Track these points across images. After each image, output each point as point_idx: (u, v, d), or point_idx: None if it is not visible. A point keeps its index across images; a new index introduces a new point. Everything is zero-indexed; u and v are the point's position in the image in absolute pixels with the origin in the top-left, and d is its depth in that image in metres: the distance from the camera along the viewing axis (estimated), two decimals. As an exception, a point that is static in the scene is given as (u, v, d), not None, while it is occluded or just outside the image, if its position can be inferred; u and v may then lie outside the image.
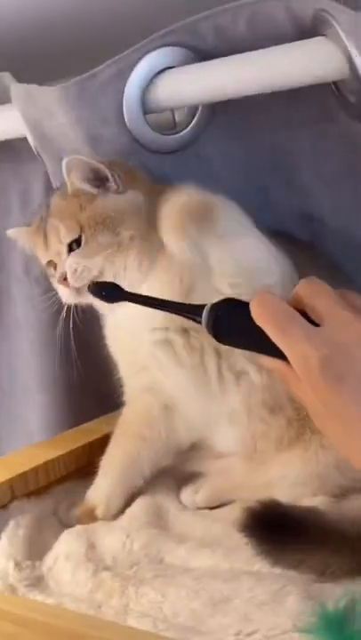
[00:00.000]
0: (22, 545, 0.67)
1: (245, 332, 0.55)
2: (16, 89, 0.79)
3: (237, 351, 0.68)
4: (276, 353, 0.53)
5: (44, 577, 0.64)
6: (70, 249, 0.72)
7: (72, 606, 0.57)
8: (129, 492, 0.76)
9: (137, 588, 0.61)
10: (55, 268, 0.75)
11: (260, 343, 0.54)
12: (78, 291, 0.72)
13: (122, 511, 0.75)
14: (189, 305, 0.59)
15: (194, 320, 0.58)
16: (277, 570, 0.63)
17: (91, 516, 0.75)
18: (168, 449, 0.77)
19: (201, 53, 0.73)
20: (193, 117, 0.81)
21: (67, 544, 0.69)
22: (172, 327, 0.70)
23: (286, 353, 0.52)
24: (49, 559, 0.67)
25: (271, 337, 0.53)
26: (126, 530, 0.71)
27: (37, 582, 0.63)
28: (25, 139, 0.84)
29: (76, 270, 0.71)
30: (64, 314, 0.76)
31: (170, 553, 0.68)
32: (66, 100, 0.74)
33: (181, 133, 0.79)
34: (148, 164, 0.79)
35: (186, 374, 0.71)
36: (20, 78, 0.83)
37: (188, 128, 0.80)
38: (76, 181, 0.72)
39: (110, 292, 0.65)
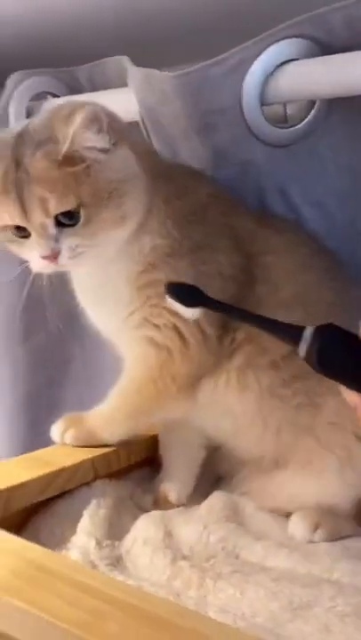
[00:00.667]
0: (103, 524, 0.68)
1: (347, 365, 0.51)
2: (133, 72, 0.79)
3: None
4: None
5: (122, 558, 0.65)
6: (58, 222, 0.63)
7: (152, 591, 0.58)
8: (195, 469, 0.79)
9: (215, 582, 0.60)
10: (26, 235, 0.65)
11: (355, 375, 0.51)
12: (63, 267, 0.66)
13: (195, 498, 0.77)
14: (285, 324, 0.53)
15: (289, 343, 0.52)
16: (358, 582, 0.62)
17: (165, 502, 0.77)
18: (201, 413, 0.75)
19: (326, 46, 0.71)
20: (308, 112, 0.79)
21: (144, 529, 0.69)
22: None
23: None
24: (127, 541, 0.68)
25: None
26: (203, 521, 0.71)
27: (117, 562, 0.63)
28: (135, 123, 0.84)
29: (74, 251, 0.64)
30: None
31: (246, 549, 0.67)
32: (185, 85, 0.73)
33: (296, 127, 0.78)
34: (258, 156, 0.77)
35: None
36: (136, 63, 0.83)
37: (304, 123, 0.78)
38: (89, 137, 0.62)
39: (191, 297, 0.59)
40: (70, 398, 1.03)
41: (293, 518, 0.72)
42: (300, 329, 0.51)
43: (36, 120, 0.67)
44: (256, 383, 0.71)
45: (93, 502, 0.70)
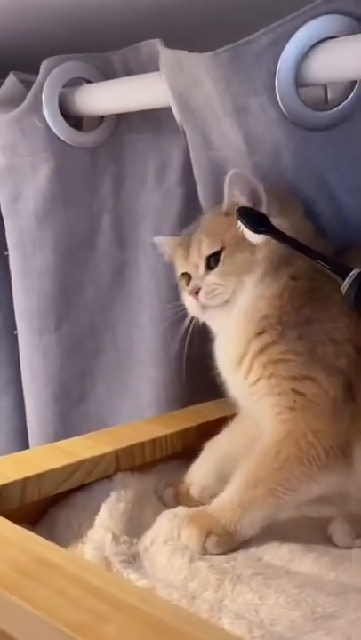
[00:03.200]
0: (122, 519, 0.66)
1: None
2: (165, 54, 0.77)
3: None
4: None
5: (139, 555, 0.63)
6: (208, 265, 0.73)
7: (164, 592, 0.55)
8: (226, 482, 0.71)
9: (234, 585, 0.58)
10: (188, 281, 0.76)
11: None
12: (204, 307, 0.73)
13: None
14: (335, 262, 0.62)
15: (335, 278, 0.60)
16: (390, 592, 0.58)
17: (186, 495, 0.74)
18: None
19: (368, 23, 0.67)
20: (348, 95, 0.75)
21: (166, 526, 0.67)
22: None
23: None
24: (147, 539, 0.66)
25: None
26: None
27: (133, 560, 0.61)
28: (168, 109, 0.81)
29: (211, 289, 0.72)
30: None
31: (270, 551, 0.64)
32: (216, 66, 0.70)
33: (334, 110, 0.73)
34: (293, 141, 0.74)
35: None
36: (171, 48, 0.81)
37: (342, 105, 0.74)
38: (237, 195, 0.72)
39: (258, 222, 0.66)
40: (100, 389, 1.02)
41: (336, 521, 0.67)
42: (349, 268, 0.59)
43: None
44: None
45: (113, 495, 0.68)
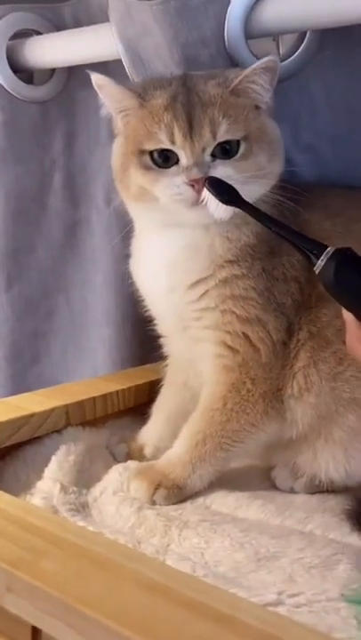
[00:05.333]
0: (71, 471, 0.66)
1: (355, 287, 0.53)
2: (114, 3, 0.75)
3: None
4: None
5: (88, 505, 0.63)
6: (218, 153, 0.62)
7: (111, 538, 0.56)
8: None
9: (180, 531, 0.59)
10: (170, 164, 0.62)
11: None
12: (197, 204, 0.61)
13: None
14: (308, 239, 0.54)
15: (308, 257, 0.54)
16: (331, 534, 0.60)
17: (140, 455, 0.74)
18: None
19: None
20: (298, 48, 0.74)
21: (116, 479, 0.68)
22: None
23: None
24: (96, 490, 0.66)
25: None
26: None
27: (81, 509, 0.62)
28: (119, 61, 0.80)
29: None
30: None
31: (218, 500, 0.65)
32: (164, 15, 0.69)
33: (285, 62, 0.73)
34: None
35: None
36: None
37: (292, 58, 0.74)
38: (261, 80, 0.63)
39: (228, 194, 0.59)
40: (54, 351, 1.01)
41: (278, 465, 0.69)
42: (324, 246, 0.54)
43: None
44: (317, 375, 0.65)
45: (63, 448, 0.68)
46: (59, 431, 0.70)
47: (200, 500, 0.65)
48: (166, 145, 0.62)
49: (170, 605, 0.36)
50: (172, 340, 0.75)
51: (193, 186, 0.60)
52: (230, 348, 0.65)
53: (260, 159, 0.63)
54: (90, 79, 0.67)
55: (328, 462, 0.66)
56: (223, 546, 0.57)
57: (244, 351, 0.65)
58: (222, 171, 0.61)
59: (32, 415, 0.68)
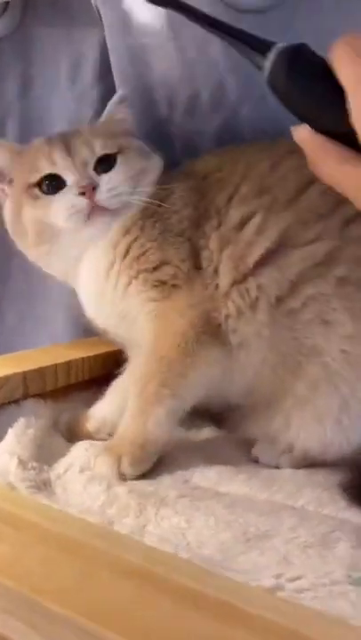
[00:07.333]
0: (30, 445, 0.58)
1: (312, 91, 0.43)
2: None
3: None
4: (336, 116, 0.42)
5: (50, 483, 0.55)
6: (100, 167, 0.65)
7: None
8: None
9: (157, 509, 0.51)
10: (58, 188, 0.64)
11: (320, 100, 0.43)
12: (95, 211, 0.63)
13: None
14: (254, 35, 0.46)
15: (254, 57, 0.45)
16: (325, 510, 0.54)
17: (84, 431, 0.67)
18: None
19: None
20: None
21: (83, 455, 0.60)
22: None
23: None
24: (60, 466, 0.59)
25: (345, 83, 0.41)
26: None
27: (43, 486, 0.54)
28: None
29: (112, 190, 0.63)
30: None
31: (197, 474, 0.59)
32: None
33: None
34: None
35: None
36: None
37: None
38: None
39: None
40: (10, 318, 0.92)
41: (258, 443, 0.63)
42: (271, 43, 0.44)
43: None
44: (258, 291, 0.61)
45: (22, 421, 0.60)
46: (16, 402, 0.62)
47: (177, 473, 0.58)
48: (49, 169, 0.65)
49: (157, 595, 0.29)
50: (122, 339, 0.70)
51: (84, 193, 0.62)
52: (154, 300, 0.63)
53: (137, 163, 0.66)
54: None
55: (300, 429, 0.61)
56: (207, 525, 0.50)
57: (166, 295, 0.62)
58: (109, 178, 0.64)
59: (-16, 383, 0.59)
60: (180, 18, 0.64)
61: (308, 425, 0.61)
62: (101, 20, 0.73)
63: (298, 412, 0.61)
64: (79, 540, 0.33)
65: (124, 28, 0.71)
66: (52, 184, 0.64)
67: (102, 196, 0.63)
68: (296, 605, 0.33)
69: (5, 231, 0.89)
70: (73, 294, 0.88)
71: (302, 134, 0.45)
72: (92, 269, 0.66)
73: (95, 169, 0.64)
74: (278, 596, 0.36)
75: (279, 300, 0.60)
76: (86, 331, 0.88)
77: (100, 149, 0.65)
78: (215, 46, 0.66)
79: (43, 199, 0.65)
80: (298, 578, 0.42)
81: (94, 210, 0.62)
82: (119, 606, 0.28)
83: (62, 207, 0.63)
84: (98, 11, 0.72)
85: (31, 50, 0.84)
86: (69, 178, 0.64)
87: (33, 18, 0.83)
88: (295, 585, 0.42)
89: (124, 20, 0.70)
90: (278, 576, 0.43)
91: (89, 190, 0.62)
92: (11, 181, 0.69)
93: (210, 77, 0.69)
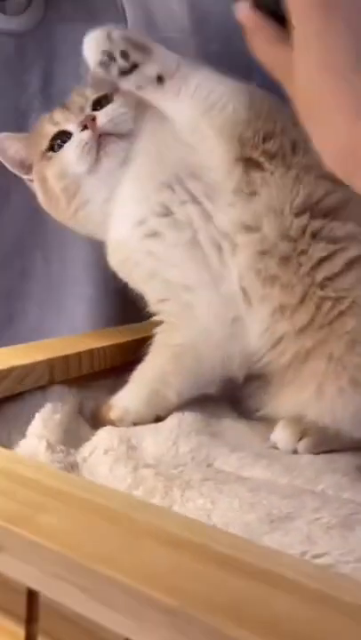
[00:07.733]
0: (57, 429, 0.60)
1: None
2: None
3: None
4: None
5: (77, 465, 0.57)
6: (95, 107, 0.66)
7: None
8: (153, 408, 0.67)
9: (183, 491, 0.53)
10: (69, 135, 0.66)
11: None
12: (103, 140, 0.63)
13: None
14: None
15: None
16: (345, 494, 0.55)
17: (107, 419, 0.66)
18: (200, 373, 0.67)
19: None
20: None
21: (107, 438, 0.62)
22: (149, 213, 0.64)
23: None
24: (85, 450, 0.60)
25: None
26: (172, 434, 0.63)
27: (70, 468, 0.55)
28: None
29: (118, 114, 0.64)
30: None
31: (220, 459, 0.60)
32: None
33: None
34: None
35: (181, 253, 0.63)
36: None
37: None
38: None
39: None
40: (31, 311, 0.94)
41: (278, 426, 0.64)
42: None
43: None
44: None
45: (49, 406, 0.62)
46: (42, 388, 0.64)
47: (200, 457, 0.60)
48: (54, 129, 0.67)
49: (200, 562, 0.30)
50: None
51: (86, 127, 0.64)
52: None
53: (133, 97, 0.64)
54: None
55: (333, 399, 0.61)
56: (231, 507, 0.51)
57: None
58: (105, 109, 0.65)
59: (13, 368, 0.61)
60: (202, 13, 0.66)
61: (345, 393, 0.60)
62: (125, 16, 0.74)
63: (332, 380, 0.60)
64: (121, 511, 0.34)
65: (147, 22, 0.72)
66: (61, 140, 0.66)
67: (103, 121, 0.64)
68: (328, 572, 0.34)
69: (28, 224, 0.91)
70: (94, 287, 0.90)
71: (243, 10, 0.46)
72: (127, 203, 0.65)
73: (94, 109, 0.66)
74: (313, 563, 0.37)
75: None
76: (106, 322, 0.90)
77: (91, 94, 0.67)
78: (239, 41, 0.67)
79: (56, 156, 0.67)
80: (322, 555, 0.44)
81: (102, 139, 0.63)
82: (162, 570, 0.30)
83: (72, 150, 0.65)
84: (122, 6, 0.73)
85: (53, 45, 0.86)
86: (71, 126, 0.66)
87: (56, 13, 0.84)
88: (320, 562, 0.43)
89: (148, 16, 0.72)
90: (303, 553, 0.44)
91: (89, 121, 0.64)
92: (30, 167, 0.71)
93: (234, 72, 0.71)
